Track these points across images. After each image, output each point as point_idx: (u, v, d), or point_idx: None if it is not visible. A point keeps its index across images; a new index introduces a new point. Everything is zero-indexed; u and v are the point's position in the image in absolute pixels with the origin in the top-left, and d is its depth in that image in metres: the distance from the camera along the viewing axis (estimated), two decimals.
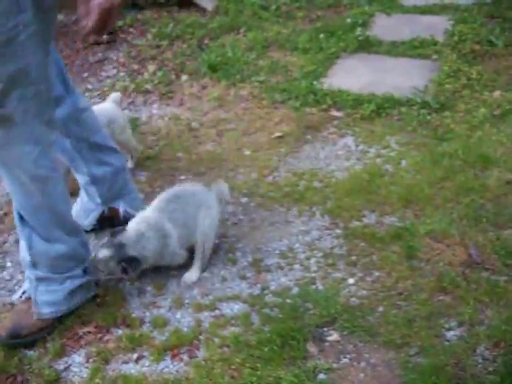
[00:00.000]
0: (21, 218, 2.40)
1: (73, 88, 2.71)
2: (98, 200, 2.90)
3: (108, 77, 4.57)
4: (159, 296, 2.61)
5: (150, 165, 3.46)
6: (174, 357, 2.32)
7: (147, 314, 2.52)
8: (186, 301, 2.56)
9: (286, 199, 3.10)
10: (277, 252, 2.78)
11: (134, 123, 3.85)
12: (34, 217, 2.38)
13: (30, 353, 2.42)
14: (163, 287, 2.65)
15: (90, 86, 4.46)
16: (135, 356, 2.34)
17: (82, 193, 2.96)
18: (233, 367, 2.24)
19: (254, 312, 2.47)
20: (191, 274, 2.67)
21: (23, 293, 2.59)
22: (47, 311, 2.47)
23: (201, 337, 2.38)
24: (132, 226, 2.59)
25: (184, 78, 4.41)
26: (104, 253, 2.53)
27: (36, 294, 2.47)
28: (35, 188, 2.31)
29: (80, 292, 2.53)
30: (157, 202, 2.68)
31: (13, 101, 2.11)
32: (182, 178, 3.31)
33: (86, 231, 2.87)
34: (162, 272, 2.71)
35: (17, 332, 2.44)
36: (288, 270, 2.68)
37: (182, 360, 2.30)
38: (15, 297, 2.64)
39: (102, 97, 4.24)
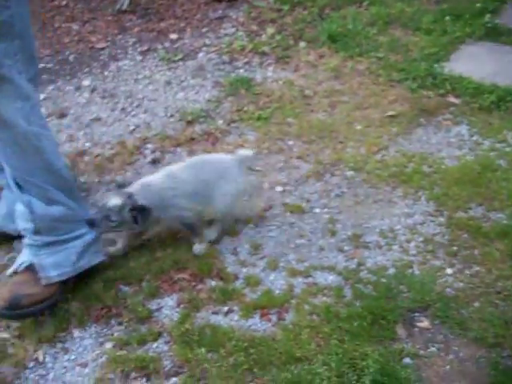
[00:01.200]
0: (18, 186, 2.35)
1: None
2: None
3: (226, 34, 4.59)
4: (255, 255, 2.64)
5: (261, 126, 3.47)
6: (262, 316, 2.35)
7: (242, 270, 2.56)
8: (281, 264, 2.58)
9: (392, 179, 3.04)
10: (377, 230, 2.74)
11: (248, 83, 3.87)
12: (32, 179, 2.33)
13: (126, 289, 2.51)
14: (259, 247, 2.67)
15: (207, 42, 4.49)
16: (225, 309, 2.39)
17: (4, 193, 2.70)
18: (320, 336, 2.25)
19: (347, 285, 2.46)
20: (210, 234, 2.71)
21: (21, 264, 2.47)
22: (54, 274, 2.42)
23: (292, 301, 2.40)
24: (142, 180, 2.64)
25: (302, 44, 4.37)
26: (115, 201, 2.45)
27: (40, 258, 2.42)
28: (30, 146, 2.28)
29: (86, 255, 2.49)
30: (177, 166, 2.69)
31: (1, 55, 2.08)
32: (291, 143, 3.32)
33: (16, 237, 2.66)
34: (260, 232, 2.74)
35: (17, 301, 2.36)
36: (386, 250, 2.64)
37: (270, 320, 2.33)
38: (10, 271, 2.51)
39: (219, 53, 4.29)
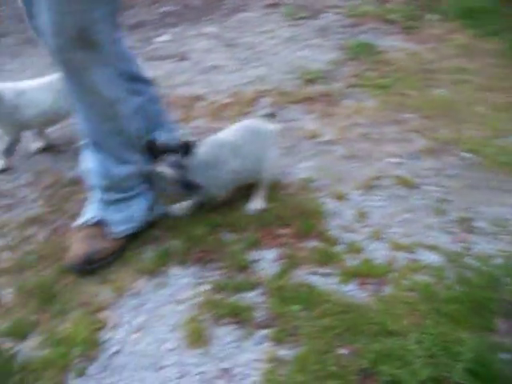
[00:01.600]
0: (94, 144, 2.46)
1: None
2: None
3: None
4: (359, 223, 2.60)
5: (379, 94, 3.40)
6: (360, 284, 2.31)
7: (344, 236, 2.53)
8: (385, 235, 2.53)
9: (509, 167, 2.91)
10: (487, 217, 2.64)
11: (371, 50, 3.79)
12: (109, 141, 2.44)
13: (228, 236, 2.54)
14: (365, 215, 2.63)
15: (334, 3, 4.42)
16: (324, 271, 2.37)
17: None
18: (416, 313, 2.20)
19: (450, 268, 2.39)
20: (256, 204, 2.68)
21: (91, 218, 2.57)
22: (122, 228, 2.55)
23: (391, 274, 2.35)
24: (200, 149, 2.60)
25: (430, 16, 4.22)
26: (168, 171, 2.54)
27: (109, 214, 2.54)
28: (114, 110, 2.36)
29: (150, 209, 2.62)
30: (229, 131, 2.68)
31: (97, 21, 2.13)
32: (408, 115, 3.23)
33: None
34: (367, 201, 2.70)
35: (90, 257, 2.47)
36: (494, 238, 2.54)
37: (367, 290, 2.30)
38: (79, 223, 2.60)
39: (345, 16, 4.20)
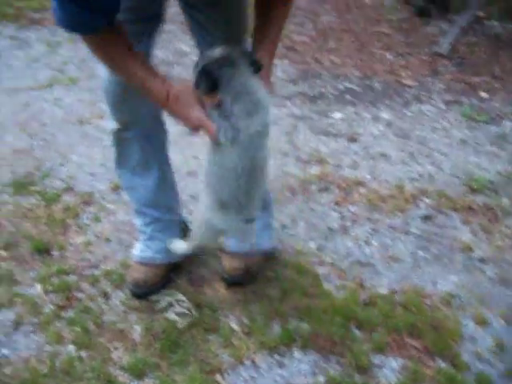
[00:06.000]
0: None
1: None
2: None
3: None
4: (495, 354, 2.42)
5: None
6: None
7: (476, 365, 2.39)
8: None
9: None
10: None
11: None
12: None
13: (357, 332, 2.51)
14: (504, 348, 2.44)
15: None
16: None
17: None
18: None
19: None
20: None
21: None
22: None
23: None
24: None
25: None
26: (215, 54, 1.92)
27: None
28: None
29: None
30: None
31: None
32: None
33: None
34: (507, 332, 2.53)
35: (250, 268, 2.74)
36: None
37: None
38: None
39: None
